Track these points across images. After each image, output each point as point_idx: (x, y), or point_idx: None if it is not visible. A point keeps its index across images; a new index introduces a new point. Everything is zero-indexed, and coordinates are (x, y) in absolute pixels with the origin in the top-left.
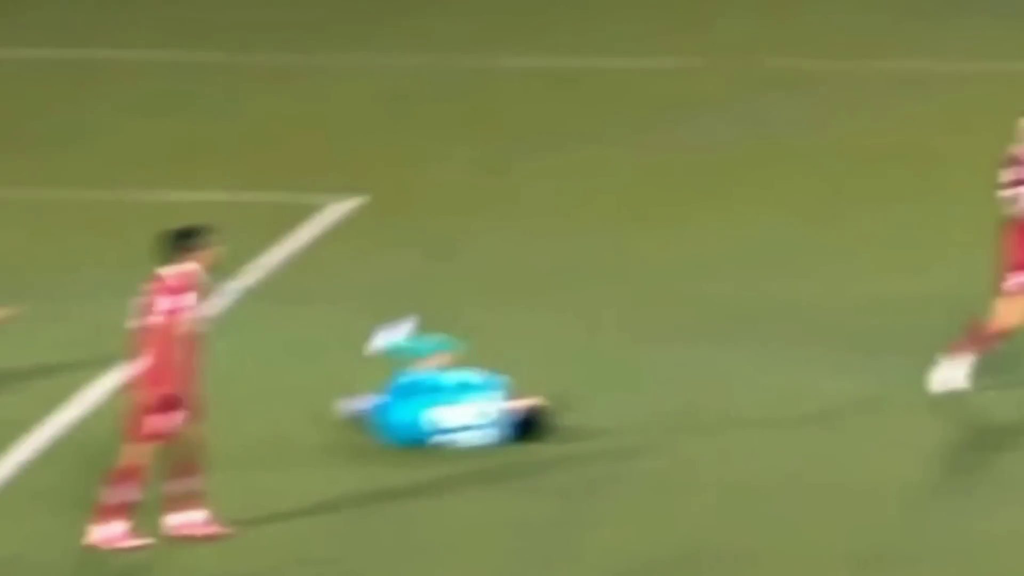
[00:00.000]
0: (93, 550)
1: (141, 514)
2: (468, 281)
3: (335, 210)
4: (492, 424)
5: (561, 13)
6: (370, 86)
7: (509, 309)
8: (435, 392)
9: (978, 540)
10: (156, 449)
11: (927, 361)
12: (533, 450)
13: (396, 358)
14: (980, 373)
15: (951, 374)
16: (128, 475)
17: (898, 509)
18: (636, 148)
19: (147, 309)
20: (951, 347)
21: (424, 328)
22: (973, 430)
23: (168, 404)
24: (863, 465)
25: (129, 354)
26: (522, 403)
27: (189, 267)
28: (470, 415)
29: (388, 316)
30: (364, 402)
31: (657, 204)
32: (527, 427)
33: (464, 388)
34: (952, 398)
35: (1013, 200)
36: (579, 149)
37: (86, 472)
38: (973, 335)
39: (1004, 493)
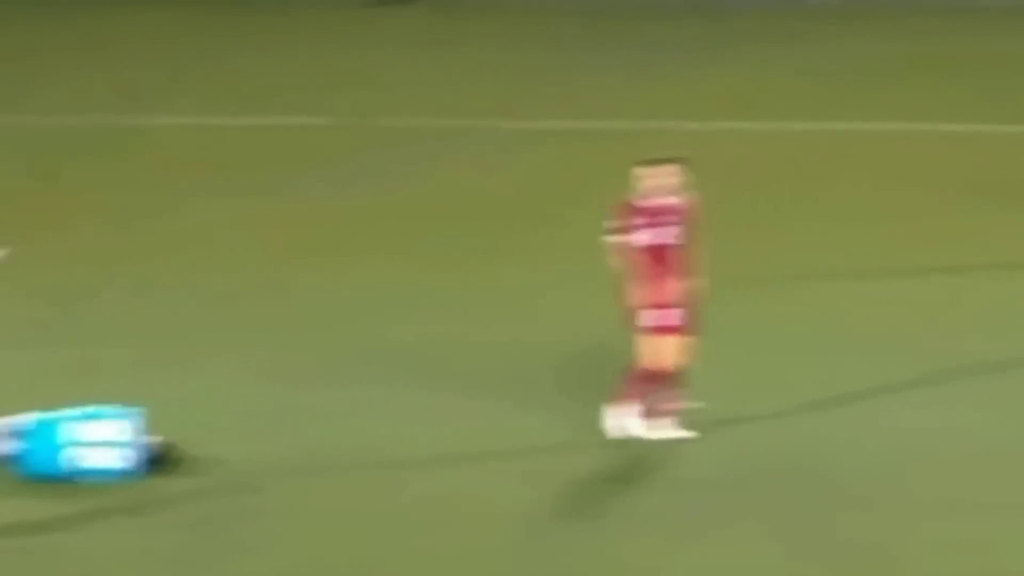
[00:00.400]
0: None
1: None
2: (109, 326)
3: None
4: (127, 446)
5: (197, 74)
6: (10, 146)
7: (150, 351)
8: (70, 419)
9: (608, 567)
10: None
11: (554, 402)
12: (171, 483)
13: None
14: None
15: (624, 421)
16: None
17: (530, 537)
18: (272, 201)
19: None
20: (614, 395)
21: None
22: (610, 466)
23: None
24: (496, 497)
25: None
26: (155, 438)
27: None
28: (106, 433)
29: (30, 361)
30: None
31: (293, 253)
32: (160, 462)
33: (99, 415)
34: (588, 437)
35: (624, 245)
36: (221, 202)
37: None
38: (631, 380)
39: (636, 525)
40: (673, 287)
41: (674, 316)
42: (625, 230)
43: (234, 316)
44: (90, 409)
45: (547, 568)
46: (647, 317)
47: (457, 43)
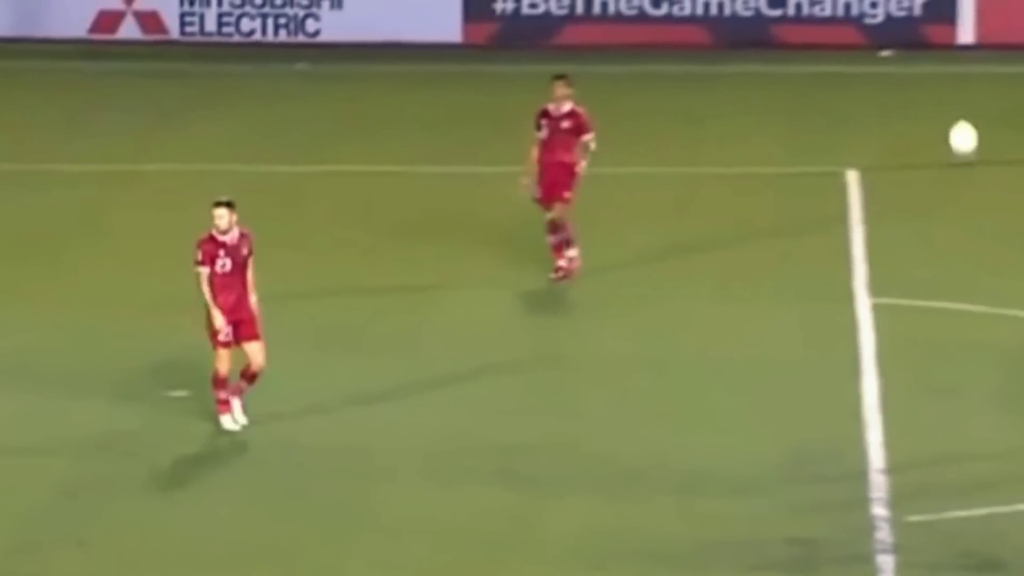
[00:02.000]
0: None
1: None
2: None
3: None
4: None
5: None
6: None
7: None
8: None
9: (122, 525)
10: None
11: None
12: None
13: None
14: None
15: (227, 417)
16: None
17: (53, 502)
18: None
19: None
20: (232, 389)
21: None
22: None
23: None
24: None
25: None
26: None
27: None
28: None
29: None
30: None
31: None
32: None
33: None
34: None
35: (206, 273)
36: None
37: None
38: (236, 382)
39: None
40: (246, 304)
41: (251, 327)
42: (206, 261)
43: None
44: None
45: (81, 526)
46: (225, 332)
47: None
